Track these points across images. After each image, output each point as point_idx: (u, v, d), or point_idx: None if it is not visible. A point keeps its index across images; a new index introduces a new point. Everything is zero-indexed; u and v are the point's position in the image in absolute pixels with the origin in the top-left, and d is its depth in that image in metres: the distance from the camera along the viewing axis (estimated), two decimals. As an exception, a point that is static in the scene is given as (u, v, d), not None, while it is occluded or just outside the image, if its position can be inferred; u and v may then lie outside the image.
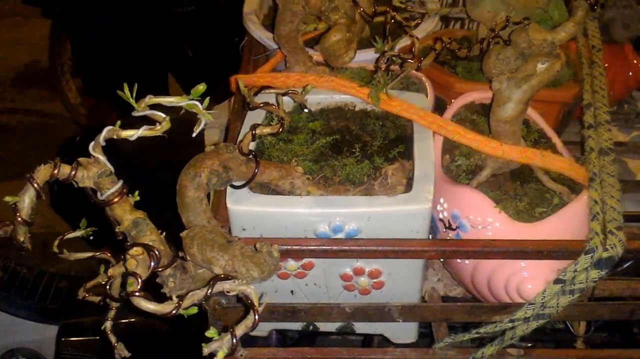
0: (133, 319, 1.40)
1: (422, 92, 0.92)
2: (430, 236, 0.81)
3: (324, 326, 0.83)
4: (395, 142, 0.82)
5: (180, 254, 0.63)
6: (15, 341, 1.43)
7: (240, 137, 0.81)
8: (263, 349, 0.80)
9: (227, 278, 0.53)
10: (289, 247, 0.68)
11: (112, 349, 0.64)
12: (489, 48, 0.86)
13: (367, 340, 1.09)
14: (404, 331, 0.83)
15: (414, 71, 0.92)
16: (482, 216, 0.76)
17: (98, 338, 1.41)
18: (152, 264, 0.54)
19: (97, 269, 0.72)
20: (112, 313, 0.64)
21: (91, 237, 0.70)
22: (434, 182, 0.73)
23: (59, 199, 1.52)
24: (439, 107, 0.93)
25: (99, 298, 0.65)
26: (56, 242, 0.68)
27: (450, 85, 0.95)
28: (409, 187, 0.73)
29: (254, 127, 0.70)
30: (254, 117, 0.85)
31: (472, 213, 0.76)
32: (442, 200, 0.79)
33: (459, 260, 0.79)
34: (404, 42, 0.97)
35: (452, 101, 0.91)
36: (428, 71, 0.96)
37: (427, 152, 0.77)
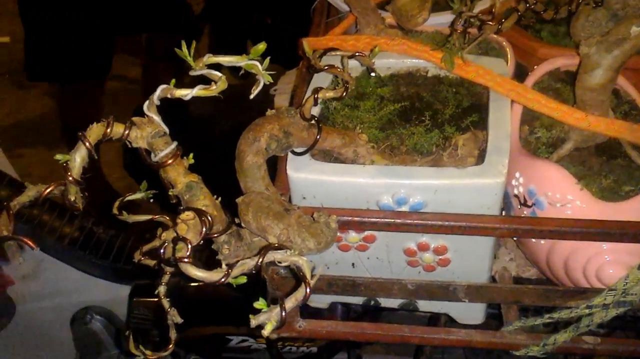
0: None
1: (502, 58, 0.85)
2: (503, 213, 0.76)
3: (385, 303, 0.80)
4: (469, 110, 0.76)
5: (237, 220, 0.62)
6: (89, 299, 1.48)
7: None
8: (322, 321, 0.78)
9: (279, 247, 0.51)
10: (350, 218, 0.65)
11: (179, 311, 0.63)
12: (578, 10, 0.78)
13: (434, 318, 1.05)
14: (471, 312, 0.78)
15: (494, 35, 0.85)
16: (562, 193, 0.70)
17: (168, 299, 1.45)
18: (204, 229, 0.52)
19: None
20: (166, 278, 0.63)
21: (151, 200, 0.69)
22: (509, 155, 0.68)
23: (132, 161, 1.55)
24: (520, 75, 0.87)
25: (154, 262, 0.64)
26: (116, 204, 0.68)
27: (533, 51, 0.88)
28: (481, 159, 0.68)
29: (317, 90, 0.66)
30: (319, 81, 0.81)
31: (551, 190, 0.70)
32: (518, 174, 0.74)
33: (534, 239, 0.74)
34: (484, 3, 0.90)
35: (535, 67, 0.84)
36: (509, 35, 0.89)
37: (503, 122, 0.71)
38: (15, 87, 3.81)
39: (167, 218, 0.68)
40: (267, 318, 0.47)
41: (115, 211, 0.68)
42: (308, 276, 0.49)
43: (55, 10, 2.07)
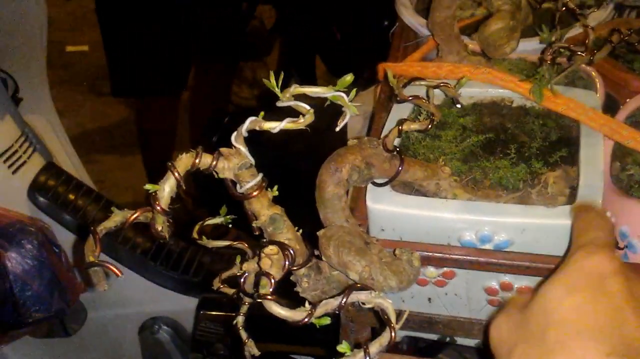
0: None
1: (590, 88, 0.82)
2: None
3: (461, 340, 0.77)
4: (558, 144, 0.73)
5: (316, 252, 0.61)
6: (157, 310, 1.51)
7: (385, 131, 0.77)
8: (395, 356, 0.76)
9: (363, 288, 0.50)
10: (431, 254, 0.63)
11: (240, 343, 0.63)
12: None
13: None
14: (552, 355, 0.75)
15: (583, 65, 0.82)
16: (657, 236, 0.66)
17: (235, 314, 1.46)
18: (287, 263, 0.52)
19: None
20: (244, 308, 0.63)
21: (230, 226, 0.69)
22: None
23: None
24: (610, 107, 0.83)
25: (233, 291, 0.64)
26: (196, 228, 0.68)
27: (625, 83, 0.84)
28: (572, 198, 0.65)
29: (401, 122, 0.65)
30: (400, 109, 0.80)
31: (645, 232, 0.67)
32: (608, 214, 0.70)
33: (624, 283, 0.70)
34: (573, 32, 0.87)
35: (628, 100, 0.80)
36: (599, 66, 0.85)
37: (595, 159, 0.68)
38: (93, 95, 3.95)
39: (246, 245, 0.68)
40: (351, 363, 0.46)
41: (195, 235, 0.68)
42: (393, 320, 0.48)
43: (136, 29, 2.16)
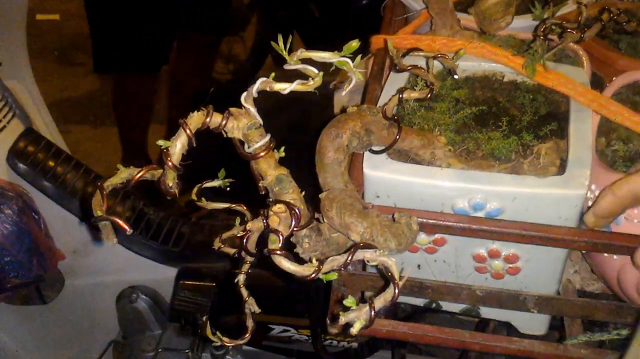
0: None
1: (577, 66, 0.84)
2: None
3: (446, 306, 0.79)
4: (547, 118, 0.75)
5: (316, 215, 0.62)
6: (136, 279, 1.50)
7: (380, 101, 0.78)
8: (383, 321, 0.78)
9: (368, 246, 0.51)
10: (424, 220, 0.65)
11: (241, 300, 0.64)
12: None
13: (482, 323, 1.04)
14: (534, 322, 0.78)
15: (571, 43, 0.84)
16: (640, 209, 0.69)
17: (214, 284, 1.46)
18: (293, 222, 0.53)
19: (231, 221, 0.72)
20: (246, 267, 0.64)
21: (228, 189, 0.70)
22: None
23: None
24: (595, 85, 0.85)
25: (234, 250, 0.65)
26: (195, 190, 0.69)
27: (611, 62, 0.86)
28: (562, 169, 0.67)
29: (402, 90, 0.66)
30: (396, 79, 0.81)
31: (628, 204, 0.69)
32: (593, 187, 0.73)
33: (605, 254, 0.73)
34: (565, 9, 0.89)
35: (613, 79, 0.83)
36: (586, 44, 0.87)
37: (585, 133, 0.70)
38: (63, 64, 3.87)
39: (244, 207, 0.69)
40: (357, 317, 0.47)
41: (193, 196, 0.69)
42: (397, 277, 0.49)
43: (121, 6, 2.14)
